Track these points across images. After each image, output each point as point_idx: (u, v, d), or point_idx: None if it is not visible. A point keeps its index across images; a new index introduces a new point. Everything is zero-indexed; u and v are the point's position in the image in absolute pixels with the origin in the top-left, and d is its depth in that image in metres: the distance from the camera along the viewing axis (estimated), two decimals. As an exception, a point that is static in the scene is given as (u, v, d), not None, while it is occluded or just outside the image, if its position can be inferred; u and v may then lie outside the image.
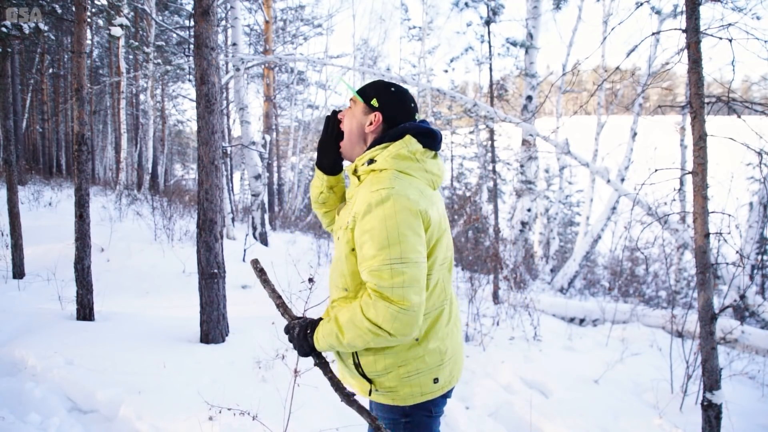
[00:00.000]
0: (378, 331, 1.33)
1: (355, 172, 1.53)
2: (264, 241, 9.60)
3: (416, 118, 1.58)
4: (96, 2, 11.96)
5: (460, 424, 3.25)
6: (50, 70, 21.34)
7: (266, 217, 9.79)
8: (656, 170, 3.20)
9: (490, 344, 5.01)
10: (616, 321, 6.47)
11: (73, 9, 4.77)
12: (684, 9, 3.12)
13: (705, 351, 2.66)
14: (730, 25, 3.13)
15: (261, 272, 1.67)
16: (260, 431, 2.65)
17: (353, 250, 1.43)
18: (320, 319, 1.51)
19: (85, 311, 4.40)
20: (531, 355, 4.82)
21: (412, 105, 1.58)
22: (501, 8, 9.95)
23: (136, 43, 13.50)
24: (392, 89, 1.57)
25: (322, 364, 1.52)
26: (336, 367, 1.65)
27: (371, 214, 1.33)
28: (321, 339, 1.45)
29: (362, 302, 1.37)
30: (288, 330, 1.53)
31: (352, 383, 1.59)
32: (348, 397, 1.47)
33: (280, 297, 1.61)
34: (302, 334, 1.49)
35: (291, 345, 1.51)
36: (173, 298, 5.59)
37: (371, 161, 1.47)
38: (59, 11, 8.54)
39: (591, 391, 4.10)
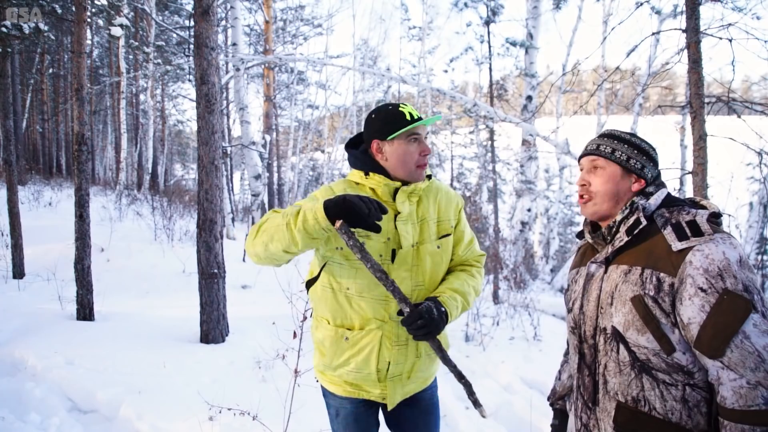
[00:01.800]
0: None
1: (412, 192, 1.60)
2: (264, 241, 9.59)
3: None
4: (96, 2, 11.96)
5: (460, 424, 3.25)
6: (50, 70, 21.33)
7: (266, 217, 9.79)
8: (656, 170, 3.19)
9: (490, 344, 5.01)
10: (616, 321, 6.47)
11: (73, 9, 4.77)
12: (684, 9, 3.12)
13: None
14: (730, 25, 3.13)
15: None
16: (260, 431, 2.65)
17: (446, 237, 1.67)
18: (435, 299, 1.55)
19: (85, 311, 4.40)
20: (531, 355, 4.82)
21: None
22: (501, 8, 9.96)
23: (136, 43, 13.51)
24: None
25: (440, 347, 1.50)
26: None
27: (463, 212, 1.75)
28: (453, 312, 1.57)
29: (477, 273, 1.73)
30: (423, 314, 1.44)
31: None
32: (461, 376, 1.49)
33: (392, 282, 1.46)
34: (441, 314, 1.49)
35: (420, 328, 1.43)
36: (173, 298, 5.59)
37: (429, 176, 1.67)
38: (59, 11, 8.55)
39: (591, 391, 4.10)
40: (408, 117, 1.54)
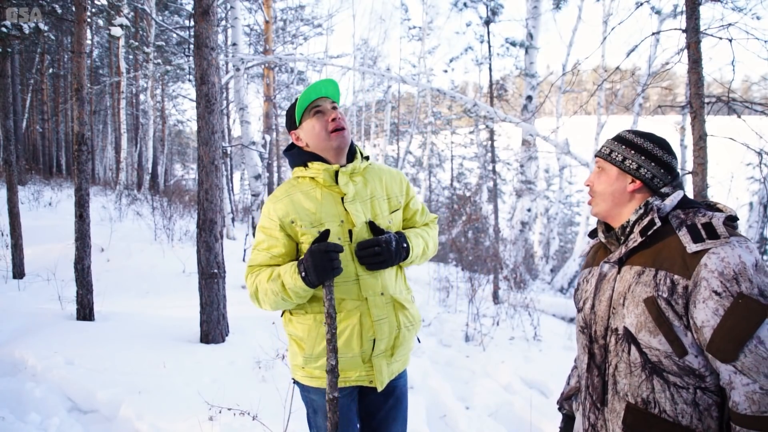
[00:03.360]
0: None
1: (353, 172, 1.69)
2: (264, 241, 9.59)
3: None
4: (96, 2, 11.97)
5: (460, 424, 3.25)
6: (50, 70, 21.31)
7: (266, 217, 9.78)
8: (656, 170, 3.19)
9: (490, 344, 5.01)
10: (616, 321, 6.46)
11: (73, 9, 4.77)
12: (684, 9, 3.12)
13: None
14: (730, 25, 3.13)
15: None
16: (260, 431, 2.65)
17: (396, 211, 1.76)
18: (401, 232, 1.69)
19: (85, 311, 4.40)
20: (531, 355, 4.82)
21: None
22: (500, 8, 9.96)
23: (136, 43, 13.50)
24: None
25: None
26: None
27: (411, 185, 1.84)
28: (416, 248, 1.70)
29: (433, 227, 1.87)
30: (381, 242, 1.56)
31: (405, 359, 1.77)
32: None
33: None
34: (401, 247, 1.63)
35: (375, 255, 1.56)
36: (173, 298, 5.59)
37: (367, 157, 1.75)
38: (59, 11, 8.55)
39: (591, 391, 4.10)
40: (305, 96, 1.61)
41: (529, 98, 9.89)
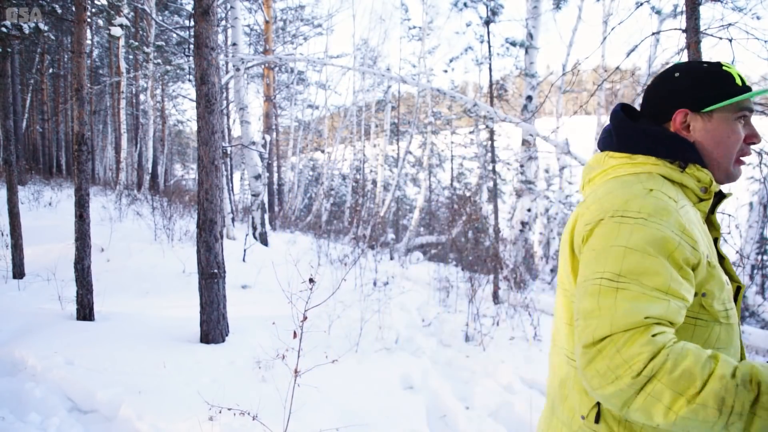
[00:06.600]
0: None
1: None
2: (264, 241, 9.60)
3: None
4: (96, 2, 11.97)
5: (460, 424, 3.25)
6: (50, 70, 21.32)
7: (266, 217, 9.79)
8: (656, 170, 3.19)
9: (490, 344, 5.01)
10: (616, 321, 6.45)
11: (73, 9, 4.77)
12: (684, 9, 3.12)
13: (705, 351, 2.65)
14: (730, 25, 3.13)
15: None
16: (260, 431, 2.65)
17: None
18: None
19: (85, 311, 4.40)
20: (531, 355, 4.82)
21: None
22: (500, 8, 9.95)
23: (136, 43, 13.49)
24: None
25: None
26: None
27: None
28: None
29: None
30: None
31: None
32: None
33: None
34: None
35: None
36: (173, 298, 5.59)
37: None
38: (59, 11, 8.55)
39: (591, 391, 4.09)
40: (738, 82, 1.02)
41: (529, 98, 9.89)
